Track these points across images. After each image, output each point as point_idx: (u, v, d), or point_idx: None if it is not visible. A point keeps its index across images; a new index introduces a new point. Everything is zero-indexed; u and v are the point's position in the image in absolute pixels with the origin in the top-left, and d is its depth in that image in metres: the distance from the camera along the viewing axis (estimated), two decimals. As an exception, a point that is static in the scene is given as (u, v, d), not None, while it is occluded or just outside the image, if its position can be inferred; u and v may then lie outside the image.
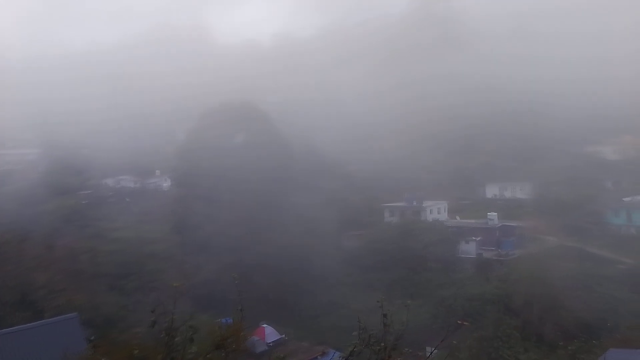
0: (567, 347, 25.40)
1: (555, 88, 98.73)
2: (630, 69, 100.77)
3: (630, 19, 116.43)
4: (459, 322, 18.50)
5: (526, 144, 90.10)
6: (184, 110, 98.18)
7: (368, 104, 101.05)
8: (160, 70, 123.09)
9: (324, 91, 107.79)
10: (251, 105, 76.67)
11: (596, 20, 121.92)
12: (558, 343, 27.43)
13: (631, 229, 66.97)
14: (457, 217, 74.15)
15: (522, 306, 45.18)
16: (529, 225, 66.07)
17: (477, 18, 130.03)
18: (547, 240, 62.25)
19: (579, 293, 44.98)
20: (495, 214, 68.58)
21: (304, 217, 62.68)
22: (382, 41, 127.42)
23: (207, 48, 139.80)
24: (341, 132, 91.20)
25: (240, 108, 74.60)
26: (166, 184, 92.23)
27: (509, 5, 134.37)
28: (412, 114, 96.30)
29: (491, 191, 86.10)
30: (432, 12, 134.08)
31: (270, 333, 42.42)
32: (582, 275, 49.56)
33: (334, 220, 67.03)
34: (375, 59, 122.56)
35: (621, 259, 57.55)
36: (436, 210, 74.98)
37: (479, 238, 64.55)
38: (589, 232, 64.07)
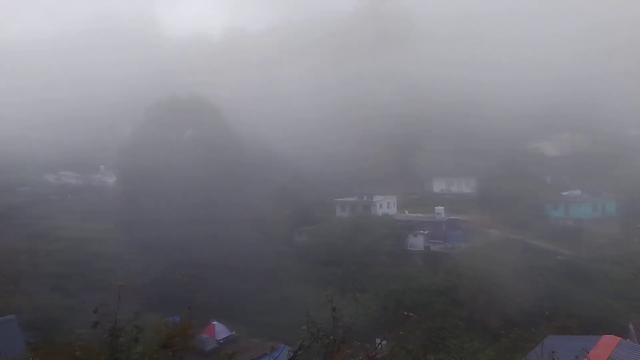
0: (509, 335, 26.50)
1: (498, 88, 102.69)
2: (568, 70, 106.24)
3: (571, 23, 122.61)
4: (406, 313, 18.94)
5: (471, 141, 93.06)
6: (129, 104, 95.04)
7: (317, 99, 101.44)
8: (103, 62, 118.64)
9: (273, 86, 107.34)
10: (200, 100, 75.17)
11: (538, 23, 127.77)
12: (500, 332, 28.66)
13: (569, 222, 70.62)
14: (406, 212, 75.83)
15: (468, 297, 46.80)
16: (474, 219, 68.44)
17: (424, 19, 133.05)
18: (491, 234, 64.70)
19: (521, 283, 47.00)
20: (443, 208, 70.60)
21: (255, 213, 62.26)
22: (330, 37, 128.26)
23: (153, 40, 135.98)
24: (291, 127, 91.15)
25: (189, 102, 73.04)
26: (111, 180, 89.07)
27: (456, 7, 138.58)
28: (360, 109, 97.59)
29: (439, 186, 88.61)
30: (381, 10, 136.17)
31: (220, 330, 41.86)
32: (524, 267, 51.84)
33: (285, 216, 66.97)
34: (324, 54, 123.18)
35: (560, 250, 60.71)
36: (386, 205, 76.39)
37: (426, 232, 66.28)
38: (530, 225, 67.02)
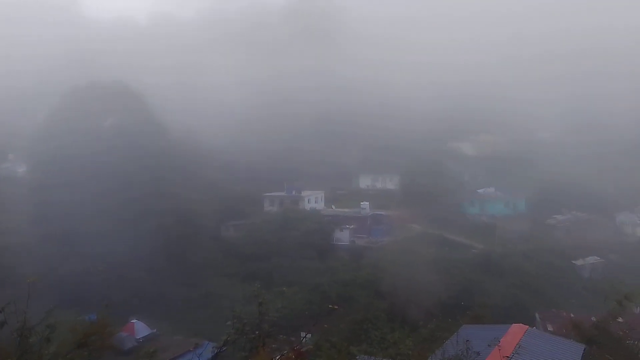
0: (427, 326, 27.71)
1: (419, 90, 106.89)
2: (487, 75, 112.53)
3: (490, 31, 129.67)
4: (330, 307, 19.22)
5: (395, 139, 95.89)
6: (44, 86, 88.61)
7: (246, 92, 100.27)
8: (17, 39, 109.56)
9: (201, 75, 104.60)
10: (122, 85, 71.45)
11: (460, 29, 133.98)
12: (419, 322, 29.95)
13: (483, 218, 74.89)
14: (333, 207, 76.96)
15: (390, 290, 48.33)
16: (397, 214, 70.73)
17: (354, 18, 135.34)
18: (412, 228, 67.18)
19: (439, 276, 49.23)
20: (367, 203, 72.40)
21: (180, 206, 60.48)
22: (260, 30, 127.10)
23: (74, 19, 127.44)
24: (219, 118, 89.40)
25: (110, 87, 69.26)
26: (22, 169, 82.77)
27: (385, 9, 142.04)
28: (290, 104, 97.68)
29: (364, 182, 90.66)
30: (312, 6, 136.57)
31: (140, 328, 40.37)
32: (442, 260, 54.36)
33: (212, 210, 65.64)
34: (253, 47, 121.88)
35: (475, 245, 64.29)
36: (314, 200, 77.10)
37: (352, 226, 67.70)
38: (448, 221, 70.34)
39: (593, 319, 25.35)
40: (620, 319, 24.12)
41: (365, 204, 71.92)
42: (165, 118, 73.36)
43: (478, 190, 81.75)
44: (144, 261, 52.76)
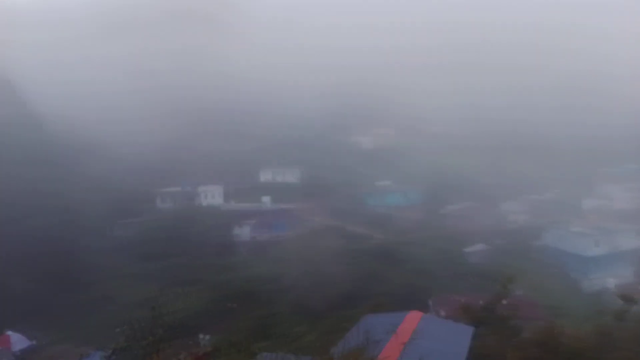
0: (330, 317, 27.98)
1: (322, 81, 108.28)
2: (386, 71, 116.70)
3: (379, 20, 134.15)
4: (229, 305, 18.52)
5: (297, 132, 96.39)
6: None
7: (139, 83, 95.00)
8: None
9: (85, 66, 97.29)
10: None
11: (358, 14, 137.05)
12: (322, 314, 30.14)
13: (382, 209, 77.58)
14: (233, 202, 75.39)
15: (293, 283, 48.34)
16: (299, 207, 71.01)
17: (250, 4, 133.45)
18: (314, 221, 67.80)
19: (341, 267, 50.14)
20: (269, 197, 71.87)
21: (66, 205, 55.71)
22: (150, 15, 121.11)
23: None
24: (109, 111, 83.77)
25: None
26: None
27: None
28: (184, 98, 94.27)
29: (265, 176, 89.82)
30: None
31: (17, 340, 36.55)
32: (343, 251, 55.38)
33: (102, 208, 61.26)
34: (143, 34, 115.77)
35: (374, 235, 66.32)
36: (212, 195, 74.92)
37: (253, 221, 66.79)
38: (349, 213, 71.95)
39: (481, 302, 27.04)
40: (505, 301, 26.00)
41: (266, 198, 71.37)
42: (49, 110, 67.20)
43: (376, 183, 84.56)
44: (23, 266, 47.86)
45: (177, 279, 49.34)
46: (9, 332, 36.69)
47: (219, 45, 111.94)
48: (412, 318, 20.47)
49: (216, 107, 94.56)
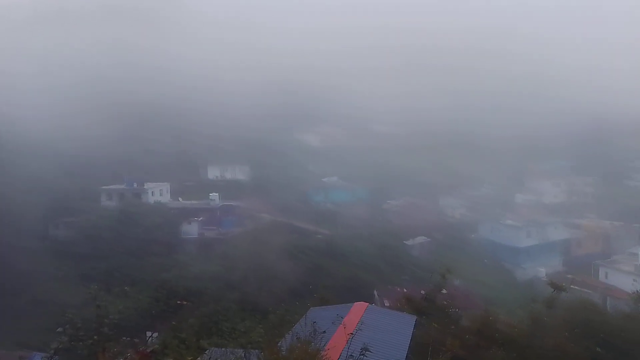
0: (277, 311, 28.32)
1: (269, 79, 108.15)
2: (331, 72, 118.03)
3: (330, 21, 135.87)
4: (178, 302, 18.59)
5: (244, 130, 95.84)
6: None
7: (77, 77, 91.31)
8: None
9: (21, 58, 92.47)
10: None
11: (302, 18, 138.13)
12: (269, 309, 30.47)
13: (328, 205, 78.66)
14: (180, 199, 74.16)
15: (241, 280, 48.37)
16: (247, 204, 70.85)
17: (202, 3, 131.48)
18: (262, 218, 67.88)
19: (288, 262, 50.65)
20: (217, 194, 71.22)
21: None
22: (87, 8, 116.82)
23: None
24: (47, 105, 80.00)
25: None
26: None
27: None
28: (126, 92, 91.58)
29: (213, 172, 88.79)
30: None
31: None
32: (291, 247, 55.90)
33: (38, 207, 58.61)
34: (82, 27, 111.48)
35: (320, 231, 67.24)
36: (158, 192, 73.26)
37: (201, 218, 66.05)
38: (296, 209, 72.52)
39: (422, 292, 28.28)
40: (444, 291, 27.32)
41: (214, 195, 70.69)
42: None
43: (323, 179, 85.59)
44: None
45: (122, 278, 48.22)
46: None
47: (163, 40, 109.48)
48: (358, 309, 21.19)
49: (161, 104, 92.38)
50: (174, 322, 17.90)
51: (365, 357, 11.59)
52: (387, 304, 39.23)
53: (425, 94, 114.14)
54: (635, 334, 22.44)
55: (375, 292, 47.14)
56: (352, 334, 13.24)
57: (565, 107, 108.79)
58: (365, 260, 58.10)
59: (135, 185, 71.63)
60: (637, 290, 27.83)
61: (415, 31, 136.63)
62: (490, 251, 67.77)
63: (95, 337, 8.57)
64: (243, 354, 12.04)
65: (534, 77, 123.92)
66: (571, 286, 40.84)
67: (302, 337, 12.05)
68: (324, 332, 12.40)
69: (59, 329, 8.53)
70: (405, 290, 39.68)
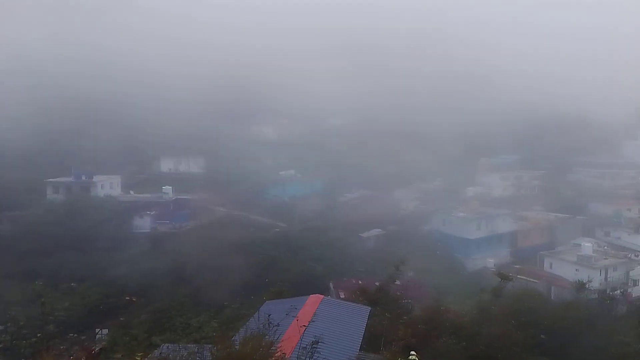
0: (231, 305, 28.19)
1: (223, 73, 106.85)
2: (283, 59, 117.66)
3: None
4: (127, 298, 18.17)
5: (199, 122, 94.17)
6: None
7: (20, 68, 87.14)
8: None
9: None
10: None
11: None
12: (224, 303, 30.18)
13: (285, 198, 78.47)
14: (132, 192, 72.15)
15: (195, 274, 47.67)
16: (202, 197, 69.74)
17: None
18: (217, 211, 67.04)
19: (244, 256, 50.27)
20: (170, 187, 69.71)
21: None
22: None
23: None
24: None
25: None
26: None
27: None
28: (71, 85, 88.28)
29: (166, 165, 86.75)
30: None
31: None
32: (246, 241, 55.51)
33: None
34: (23, 20, 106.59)
35: (277, 224, 67.09)
36: (108, 185, 70.92)
37: (153, 212, 64.52)
38: (252, 202, 71.98)
39: (377, 283, 28.79)
40: (397, 282, 27.93)
41: (168, 188, 69.12)
42: None
43: (280, 173, 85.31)
44: None
45: (70, 274, 46.45)
46: None
47: (109, 35, 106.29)
48: (313, 302, 21.34)
49: (110, 99, 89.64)
50: (122, 318, 17.46)
51: (316, 349, 11.67)
52: (342, 296, 39.67)
53: (375, 91, 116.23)
54: (576, 321, 23.65)
55: (330, 285, 47.56)
56: (305, 326, 13.31)
57: (515, 104, 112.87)
58: (322, 253, 58.41)
59: (83, 177, 69.07)
60: (579, 280, 29.38)
61: (363, 31, 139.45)
62: (442, 243, 69.54)
63: (39, 334, 8.25)
64: (196, 350, 11.86)
65: (481, 77, 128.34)
66: (518, 276, 42.72)
67: (256, 331, 12.01)
68: (278, 325, 12.40)
69: (0, 327, 8.15)
70: (360, 282, 40.26)
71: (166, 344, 18.73)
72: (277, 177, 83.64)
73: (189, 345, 14.60)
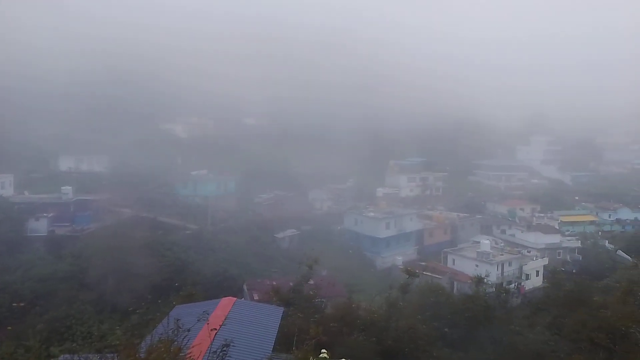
0: (137, 311, 26.87)
1: (131, 67, 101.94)
2: (198, 63, 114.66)
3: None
4: (14, 305, 16.75)
5: (104, 117, 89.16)
6: None
7: None
8: None
9: None
10: None
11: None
12: (131, 309, 28.65)
13: (197, 199, 76.42)
14: (26, 192, 66.55)
15: (97, 280, 44.94)
16: (106, 198, 65.97)
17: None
18: (123, 213, 63.67)
19: (151, 260, 48.15)
20: (70, 188, 65.29)
21: None
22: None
23: None
24: None
25: None
26: None
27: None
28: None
29: (66, 164, 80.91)
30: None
31: None
32: (154, 243, 53.20)
33: None
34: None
35: (188, 225, 65.06)
36: (-1, 185, 64.97)
37: (51, 214, 60.03)
38: (161, 203, 69.26)
39: (291, 283, 28.85)
40: (311, 281, 28.17)
41: (67, 189, 64.58)
42: None
43: (192, 172, 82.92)
44: None
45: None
46: None
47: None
48: (225, 304, 20.92)
49: None
50: (9, 328, 16.05)
51: (227, 353, 11.46)
52: (256, 297, 39.36)
53: (289, 95, 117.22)
54: (476, 313, 25.30)
55: (244, 286, 46.98)
56: (216, 330, 13.02)
57: (422, 109, 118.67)
58: (235, 254, 57.61)
59: (-31, 176, 62.68)
60: (478, 275, 31.41)
61: (275, 38, 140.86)
62: (354, 242, 71.49)
63: None
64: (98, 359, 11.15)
65: (392, 80, 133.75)
66: (423, 272, 44.84)
67: (163, 337, 11.53)
68: (188, 330, 12.00)
69: None
70: (274, 282, 40.12)
71: (65, 355, 17.44)
72: (189, 177, 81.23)
73: (90, 355, 13.74)
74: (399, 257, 67.17)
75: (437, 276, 52.77)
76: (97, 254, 47.67)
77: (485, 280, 29.72)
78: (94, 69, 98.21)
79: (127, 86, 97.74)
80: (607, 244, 74.95)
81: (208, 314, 14.83)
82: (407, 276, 26.62)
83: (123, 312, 35.33)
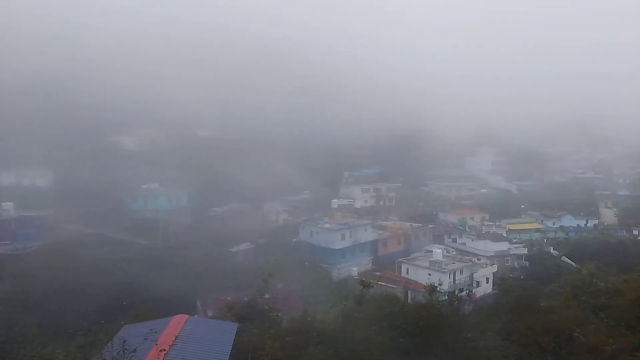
0: (83, 333, 25.64)
1: (80, 75, 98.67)
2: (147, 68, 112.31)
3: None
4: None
5: (46, 130, 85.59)
6: None
7: None
8: None
9: None
10: None
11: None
12: (75, 330, 27.26)
13: (147, 213, 74.20)
14: (-39, 210, 62.89)
15: (40, 300, 42.79)
16: (50, 214, 63.19)
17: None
18: (68, 229, 61.11)
19: (99, 278, 46.32)
20: (12, 204, 62.36)
21: None
22: None
23: None
24: None
25: None
26: None
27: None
28: None
29: (7, 178, 76.87)
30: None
31: None
32: (102, 261, 51.29)
33: None
34: None
35: (138, 241, 63.10)
36: None
37: (-10, 232, 56.96)
38: (109, 218, 66.85)
39: (246, 298, 28.33)
40: (266, 295, 27.77)
41: (8, 205, 61.59)
42: None
43: (142, 186, 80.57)
44: None
45: None
46: None
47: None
48: (177, 322, 20.28)
49: None
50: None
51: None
52: (210, 314, 38.45)
53: (241, 106, 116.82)
54: (430, 321, 25.63)
55: (198, 303, 45.86)
56: (165, 350, 12.59)
57: (374, 121, 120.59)
58: (188, 270, 56.21)
59: None
60: (431, 283, 31.91)
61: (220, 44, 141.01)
62: (310, 253, 71.27)
63: None
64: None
65: (343, 89, 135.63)
66: (378, 282, 45.24)
67: (109, 359, 11.03)
68: (135, 350, 11.53)
69: None
70: (228, 298, 39.28)
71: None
72: (139, 191, 78.89)
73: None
74: (354, 268, 67.45)
75: (391, 286, 53.30)
76: (41, 274, 45.49)
77: (438, 289, 30.19)
78: (35, 77, 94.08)
79: (72, 94, 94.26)
80: (552, 250, 78.03)
81: (157, 333, 14.34)
82: (362, 287, 26.69)
83: (67, 334, 33.74)
